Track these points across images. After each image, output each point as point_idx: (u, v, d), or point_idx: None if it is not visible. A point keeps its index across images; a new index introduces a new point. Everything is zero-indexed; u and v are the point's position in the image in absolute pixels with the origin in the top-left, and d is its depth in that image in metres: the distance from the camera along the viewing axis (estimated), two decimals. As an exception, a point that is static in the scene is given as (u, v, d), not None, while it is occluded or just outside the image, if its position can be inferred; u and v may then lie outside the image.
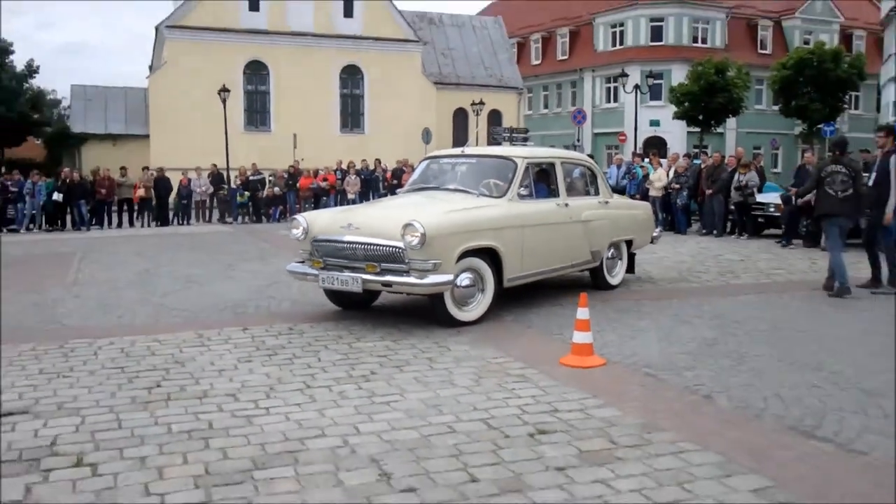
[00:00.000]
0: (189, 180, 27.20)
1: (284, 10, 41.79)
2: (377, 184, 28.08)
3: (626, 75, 38.41)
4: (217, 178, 28.29)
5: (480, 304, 8.09)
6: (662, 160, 21.44)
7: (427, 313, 8.45)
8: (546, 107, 57.29)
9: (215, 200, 28.22)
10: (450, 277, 7.58)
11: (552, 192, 9.39)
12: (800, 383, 5.96)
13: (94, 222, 25.15)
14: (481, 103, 41.05)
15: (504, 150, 9.65)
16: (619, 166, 22.24)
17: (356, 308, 8.94)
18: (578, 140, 46.11)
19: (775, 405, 5.43)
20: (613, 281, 10.35)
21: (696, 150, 32.56)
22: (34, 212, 24.68)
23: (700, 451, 4.54)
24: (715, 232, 18.30)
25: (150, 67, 45.37)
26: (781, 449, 4.62)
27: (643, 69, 46.15)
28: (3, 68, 44.89)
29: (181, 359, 6.81)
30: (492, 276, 8.14)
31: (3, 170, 27.84)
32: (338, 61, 43.18)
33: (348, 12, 43.09)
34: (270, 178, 27.89)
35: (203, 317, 8.92)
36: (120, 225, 25.71)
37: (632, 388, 5.83)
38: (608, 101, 51.99)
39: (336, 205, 27.54)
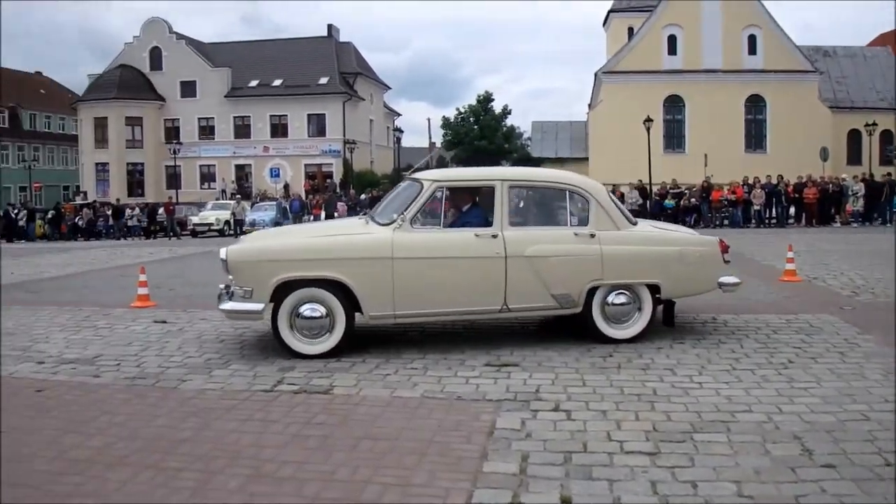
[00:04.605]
0: (622, 194, 27.48)
1: (698, 51, 40.66)
2: (780, 196, 26.22)
3: None
4: (642, 191, 28.23)
5: (329, 339, 6.20)
6: None
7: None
8: (945, 125, 48.41)
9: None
10: (257, 307, 6.11)
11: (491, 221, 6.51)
12: None
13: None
14: (874, 125, 36.02)
15: (422, 173, 7.27)
16: None
17: None
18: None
19: None
20: (619, 334, 6.57)
21: None
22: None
23: None
24: None
25: (590, 105, 46.66)
26: None
27: None
28: (488, 112, 49.42)
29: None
30: (342, 311, 6.17)
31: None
32: (743, 92, 40.94)
33: (752, 50, 40.83)
34: (686, 191, 27.16)
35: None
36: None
37: None
38: None
39: (741, 216, 26.10)
